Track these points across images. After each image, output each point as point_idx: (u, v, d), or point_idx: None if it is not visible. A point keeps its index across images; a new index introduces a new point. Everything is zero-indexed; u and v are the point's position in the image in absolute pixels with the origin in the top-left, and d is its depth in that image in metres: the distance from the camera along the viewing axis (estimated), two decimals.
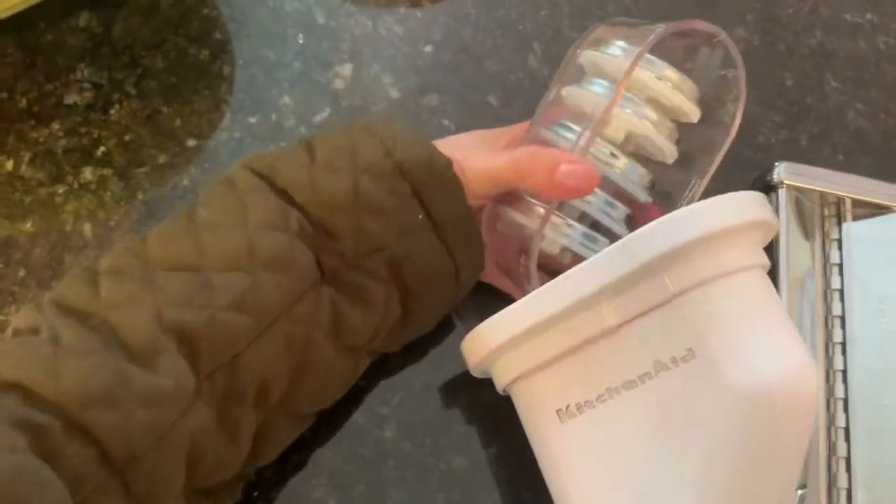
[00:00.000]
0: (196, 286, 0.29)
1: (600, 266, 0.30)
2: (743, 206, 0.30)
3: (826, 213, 0.40)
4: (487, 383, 0.35)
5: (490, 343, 0.32)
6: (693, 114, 0.35)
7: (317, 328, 0.31)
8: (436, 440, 0.36)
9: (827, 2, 0.49)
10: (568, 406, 0.31)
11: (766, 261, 0.31)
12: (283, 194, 0.32)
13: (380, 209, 0.32)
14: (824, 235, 0.40)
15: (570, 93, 0.35)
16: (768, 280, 0.31)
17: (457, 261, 0.34)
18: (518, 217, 0.35)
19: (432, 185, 0.33)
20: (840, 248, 0.39)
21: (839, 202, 0.40)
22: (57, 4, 0.41)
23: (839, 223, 0.40)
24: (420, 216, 0.33)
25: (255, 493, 0.35)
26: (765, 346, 0.29)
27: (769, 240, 0.34)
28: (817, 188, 0.40)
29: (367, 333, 0.33)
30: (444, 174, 0.33)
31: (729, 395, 0.28)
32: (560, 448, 0.32)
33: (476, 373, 0.34)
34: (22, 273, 0.38)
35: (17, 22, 0.41)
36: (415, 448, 0.36)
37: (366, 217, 0.32)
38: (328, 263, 0.32)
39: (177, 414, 0.28)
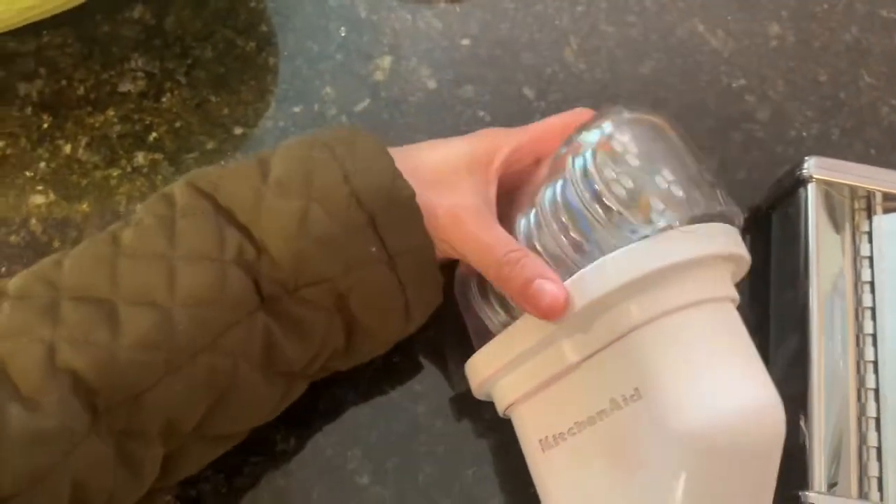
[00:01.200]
0: (99, 320, 0.27)
1: None
2: (707, 238, 0.30)
3: (856, 206, 0.40)
4: None
5: (482, 372, 0.33)
6: None
7: (245, 359, 0.30)
8: (467, 417, 0.37)
9: None
10: (547, 437, 0.31)
11: (733, 294, 0.31)
12: (226, 213, 0.30)
13: (328, 240, 0.30)
14: (854, 229, 0.40)
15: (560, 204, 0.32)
16: (734, 314, 0.31)
17: (408, 295, 0.32)
18: (482, 304, 0.35)
19: (390, 216, 0.31)
20: (870, 241, 0.40)
21: (869, 196, 0.40)
22: None
23: (869, 216, 0.40)
24: (373, 248, 0.31)
25: (293, 466, 0.36)
26: (716, 386, 0.28)
27: (742, 274, 0.33)
28: (847, 182, 0.40)
29: (301, 362, 0.32)
30: (404, 205, 0.31)
31: (672, 435, 0.28)
32: (543, 475, 0.32)
33: (479, 397, 0.35)
34: None
35: (76, 14, 0.43)
36: (446, 424, 0.37)
37: (311, 246, 0.30)
38: (268, 289, 0.30)
39: (59, 456, 0.26)
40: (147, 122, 0.43)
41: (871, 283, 0.39)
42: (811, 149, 0.45)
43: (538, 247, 0.32)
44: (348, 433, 0.37)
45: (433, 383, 0.38)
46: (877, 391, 0.37)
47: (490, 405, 0.37)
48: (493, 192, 0.34)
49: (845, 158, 0.41)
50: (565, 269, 0.31)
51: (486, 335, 0.34)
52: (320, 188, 0.30)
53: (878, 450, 0.36)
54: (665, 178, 0.30)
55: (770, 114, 0.46)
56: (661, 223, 0.29)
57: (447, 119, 0.44)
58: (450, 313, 0.37)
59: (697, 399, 0.28)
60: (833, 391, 0.36)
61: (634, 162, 0.30)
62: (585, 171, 0.30)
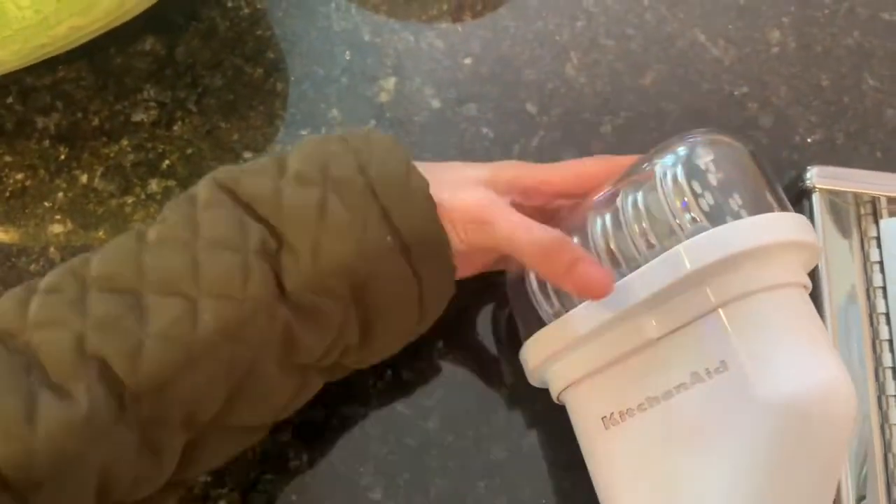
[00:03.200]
0: (127, 310, 0.28)
1: (644, 278, 0.31)
2: (788, 225, 0.31)
3: (862, 212, 0.41)
4: (525, 379, 0.36)
5: (542, 353, 0.34)
6: None
7: (264, 350, 0.30)
8: (477, 431, 0.38)
9: (864, 2, 0.50)
10: (612, 413, 0.32)
11: (807, 282, 0.32)
12: (247, 207, 0.31)
13: (346, 229, 0.31)
14: (862, 234, 0.40)
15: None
16: (808, 300, 0.32)
17: (423, 286, 0.33)
18: (539, 296, 0.36)
19: (404, 206, 0.31)
20: (879, 245, 0.40)
21: (874, 201, 0.40)
22: (125, 30, 0.44)
23: (876, 221, 0.40)
24: (389, 238, 0.31)
25: (306, 482, 0.37)
26: (796, 361, 0.30)
27: (812, 266, 0.34)
28: (851, 189, 0.40)
29: (317, 353, 0.32)
30: (419, 196, 0.32)
31: (758, 408, 0.29)
32: (604, 453, 0.33)
33: (533, 382, 0.36)
34: None
35: (90, 48, 0.44)
36: (457, 438, 0.38)
37: (329, 235, 0.31)
38: (289, 281, 0.31)
39: (87, 443, 0.27)
40: (160, 151, 0.44)
41: (884, 288, 0.39)
42: (816, 154, 0.45)
43: (612, 246, 0.33)
44: (360, 449, 0.38)
45: (443, 399, 0.39)
46: None
47: (501, 413, 0.37)
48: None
49: (851, 162, 0.42)
50: (636, 267, 0.32)
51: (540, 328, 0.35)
52: (336, 179, 0.31)
53: None
54: (738, 200, 0.32)
55: (773, 120, 0.46)
56: None
57: (452, 137, 0.45)
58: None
59: (788, 370, 0.29)
60: None
61: (714, 181, 0.32)
62: (676, 182, 0.32)
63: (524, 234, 0.32)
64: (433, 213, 0.32)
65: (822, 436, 0.29)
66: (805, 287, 0.32)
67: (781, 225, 0.31)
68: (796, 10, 0.49)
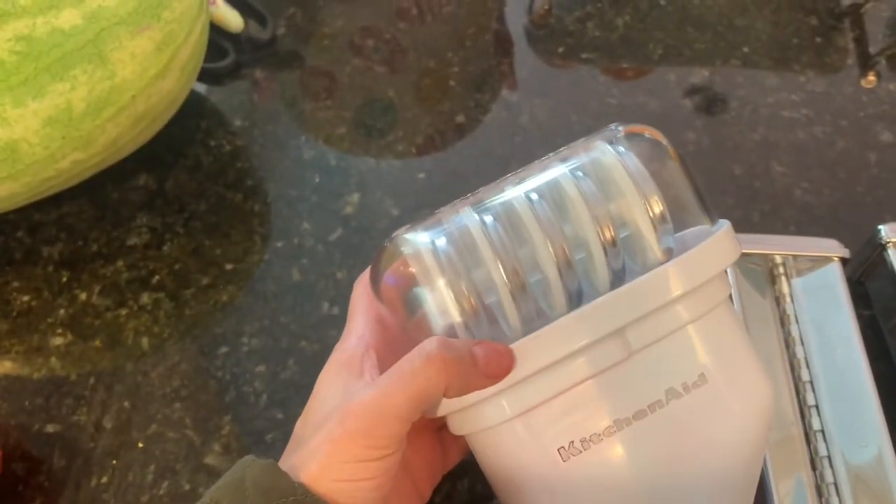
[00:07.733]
0: None
1: (616, 303, 0.29)
2: (734, 238, 0.32)
3: (775, 272, 0.45)
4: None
5: (471, 396, 0.30)
6: None
7: None
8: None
9: (766, 103, 0.57)
10: (572, 442, 0.29)
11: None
12: None
13: None
14: (776, 292, 0.45)
15: None
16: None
17: None
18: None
19: None
20: (792, 300, 0.44)
21: (784, 261, 0.45)
22: (121, 169, 0.51)
23: (788, 279, 0.45)
24: None
25: None
26: (757, 367, 0.31)
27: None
28: (759, 252, 0.45)
29: None
30: None
31: (740, 417, 0.30)
32: (566, 487, 0.30)
33: (456, 429, 0.32)
34: (92, 380, 0.45)
35: (90, 186, 0.51)
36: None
37: None
38: None
39: None
40: (151, 268, 0.49)
41: (800, 337, 0.43)
42: (736, 229, 0.50)
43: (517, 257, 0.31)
44: None
45: None
46: (823, 433, 0.40)
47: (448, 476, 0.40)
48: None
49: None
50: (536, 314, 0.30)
51: None
52: None
53: (836, 486, 0.38)
54: (658, 203, 0.31)
55: None
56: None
57: None
58: None
59: (756, 378, 0.31)
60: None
61: (626, 182, 0.31)
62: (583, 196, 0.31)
63: (392, 389, 0.28)
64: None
65: (767, 433, 0.32)
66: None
67: (733, 238, 0.32)
68: (706, 115, 0.56)
